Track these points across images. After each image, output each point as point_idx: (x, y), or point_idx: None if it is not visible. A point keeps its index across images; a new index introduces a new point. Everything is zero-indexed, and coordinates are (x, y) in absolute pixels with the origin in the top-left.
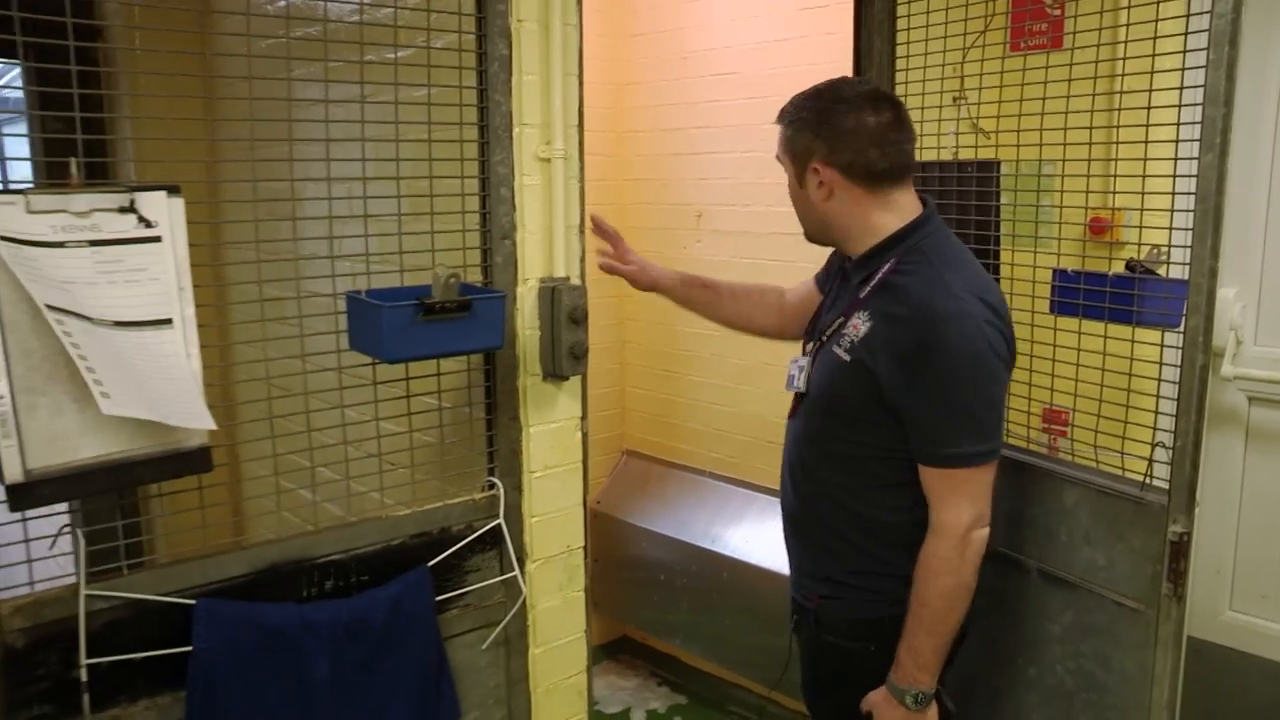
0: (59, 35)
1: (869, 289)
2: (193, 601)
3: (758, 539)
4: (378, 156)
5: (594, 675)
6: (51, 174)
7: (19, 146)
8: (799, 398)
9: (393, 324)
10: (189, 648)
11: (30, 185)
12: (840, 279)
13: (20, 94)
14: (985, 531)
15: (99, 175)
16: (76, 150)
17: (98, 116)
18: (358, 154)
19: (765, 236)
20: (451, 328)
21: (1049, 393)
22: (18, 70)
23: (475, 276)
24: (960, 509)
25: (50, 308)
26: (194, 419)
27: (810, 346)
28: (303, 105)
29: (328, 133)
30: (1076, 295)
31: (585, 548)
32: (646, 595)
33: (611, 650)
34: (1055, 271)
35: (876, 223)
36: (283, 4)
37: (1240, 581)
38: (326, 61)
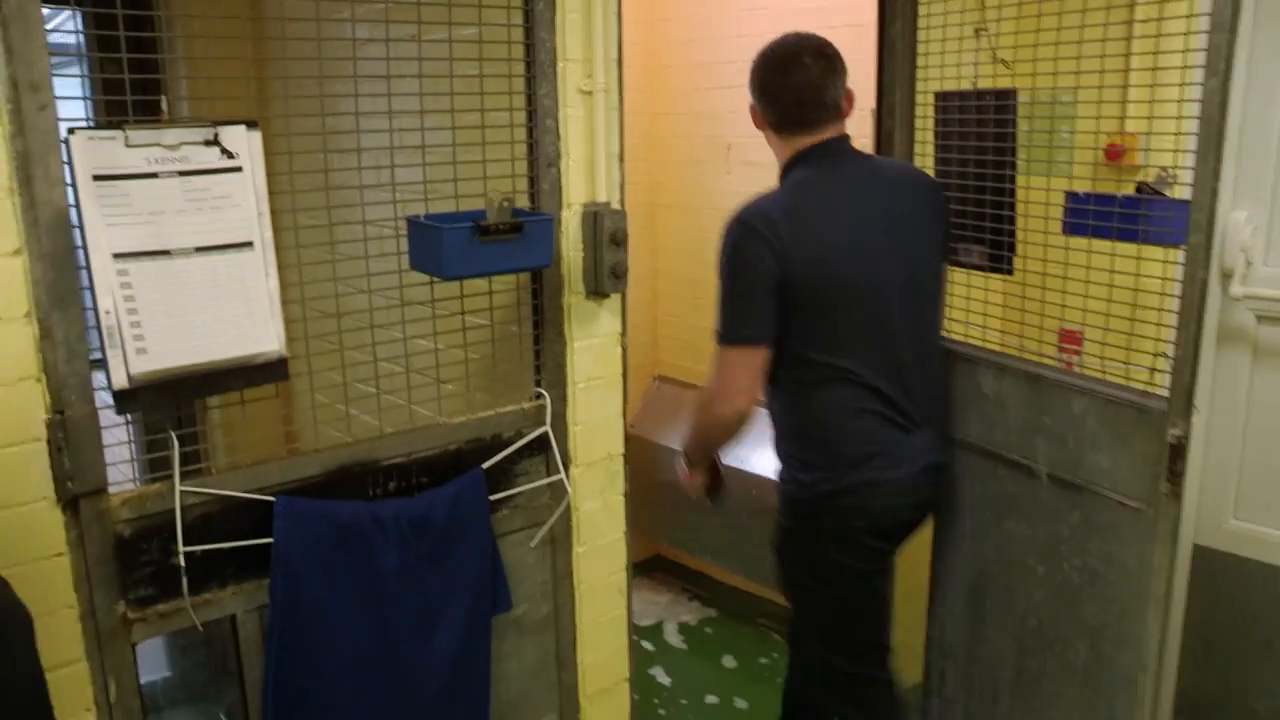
0: None
1: None
2: (272, 499)
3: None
4: (433, 91)
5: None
6: (110, 112)
7: (69, 88)
8: None
9: (452, 244)
10: (270, 539)
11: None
12: None
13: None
14: (728, 406)
15: (152, 114)
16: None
17: (152, 57)
18: (414, 89)
19: None
20: (505, 248)
21: (1061, 309)
22: (66, 15)
23: (523, 202)
24: (711, 378)
25: (116, 256)
26: (255, 342)
27: None
28: (361, 44)
29: (388, 69)
30: (1087, 216)
31: (625, 455)
32: (679, 515)
33: (645, 568)
34: (1067, 194)
35: (781, 161)
36: None
37: (1245, 491)
38: (387, 2)
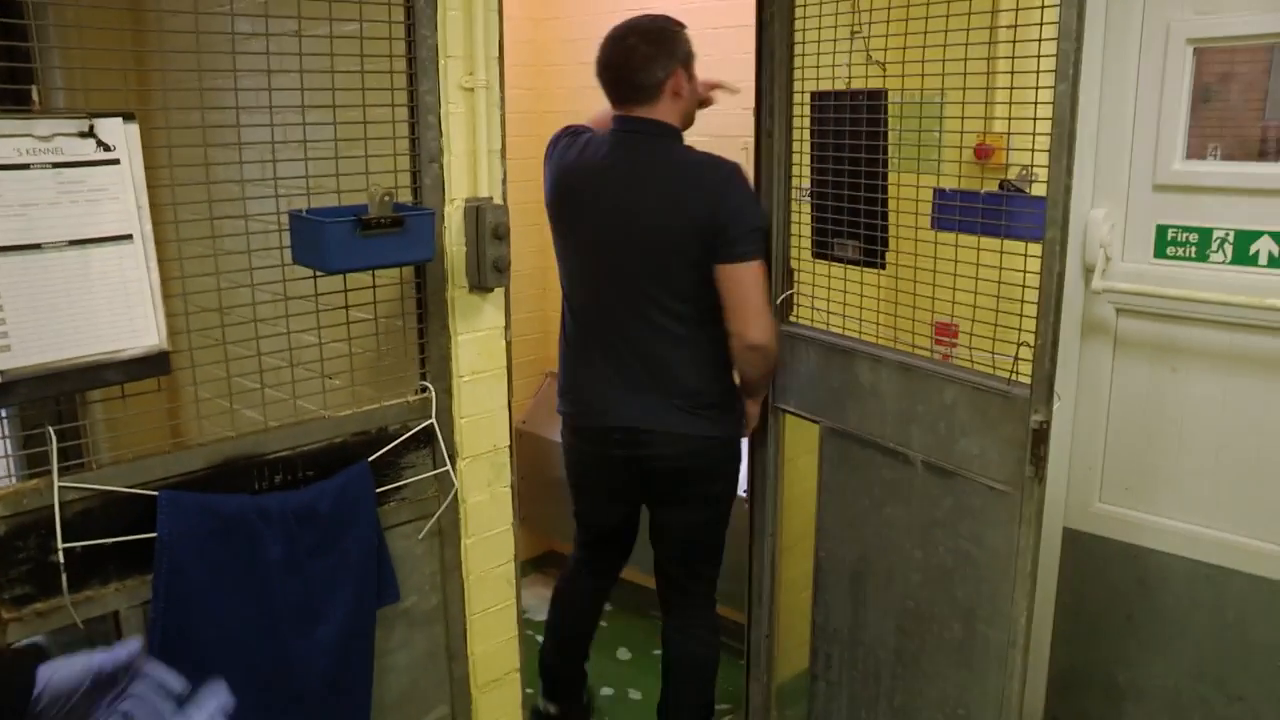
0: None
1: None
2: (155, 493)
3: None
4: (315, 86)
5: (522, 588)
6: None
7: None
8: None
9: (334, 237)
10: (153, 534)
11: None
12: None
13: None
14: None
15: (22, 104)
16: (35, 78)
17: (21, 45)
18: (295, 84)
19: None
20: (387, 242)
21: (932, 302)
22: None
23: (406, 197)
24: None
25: None
26: (135, 335)
27: None
28: (242, 38)
29: (269, 64)
30: (954, 212)
31: (510, 447)
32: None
33: (539, 564)
34: (935, 190)
35: None
36: None
37: (1108, 476)
38: None
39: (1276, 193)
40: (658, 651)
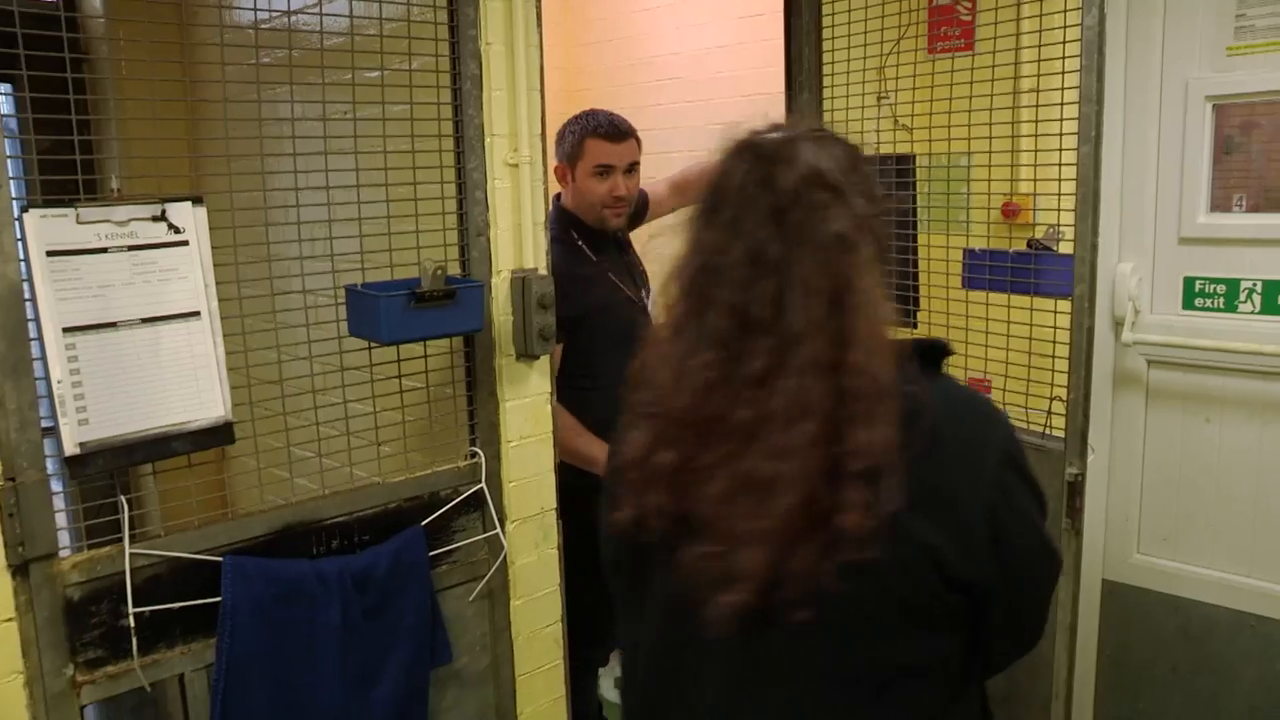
0: (45, 62)
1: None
2: (220, 559)
3: None
4: (367, 166)
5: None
6: (45, 190)
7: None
8: None
9: (389, 311)
10: (218, 599)
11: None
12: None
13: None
14: None
15: (89, 191)
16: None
17: (85, 138)
18: (350, 164)
19: None
20: (439, 314)
21: (965, 359)
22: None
23: (455, 270)
24: None
25: (66, 330)
26: (202, 407)
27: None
28: (299, 121)
29: (326, 146)
30: (984, 271)
31: (557, 510)
32: None
33: None
34: (965, 251)
35: None
36: (274, 24)
37: (1145, 526)
38: (323, 84)
39: None
40: None
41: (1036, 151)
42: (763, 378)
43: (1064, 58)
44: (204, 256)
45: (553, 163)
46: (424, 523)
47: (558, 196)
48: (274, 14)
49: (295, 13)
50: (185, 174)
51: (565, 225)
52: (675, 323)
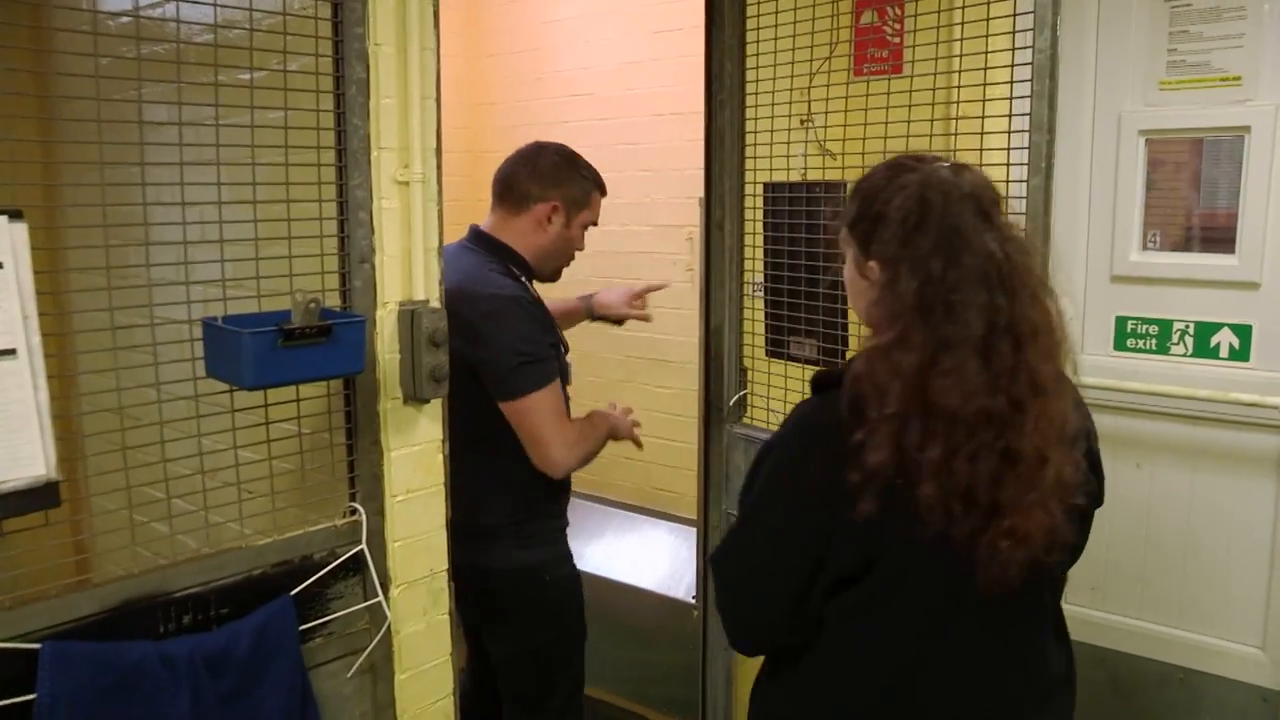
0: None
1: None
2: (37, 645)
3: (618, 554)
4: (232, 180)
5: None
6: None
7: None
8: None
9: (253, 350)
10: (32, 696)
11: None
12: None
13: None
14: None
15: None
16: None
17: None
18: (212, 177)
19: (624, 255)
20: (312, 353)
21: None
22: None
23: (334, 301)
24: None
25: None
26: (17, 465)
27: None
28: (152, 127)
29: (181, 156)
30: None
31: (449, 571)
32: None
33: None
34: None
35: None
36: (127, 21)
37: (1073, 576)
38: (179, 83)
39: (1235, 285)
40: None
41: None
42: (1013, 369)
43: (1013, 82)
44: (23, 282)
45: (540, 200)
46: (294, 591)
47: (479, 229)
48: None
49: (150, 4)
50: (27, 182)
51: (519, 265)
52: (900, 333)
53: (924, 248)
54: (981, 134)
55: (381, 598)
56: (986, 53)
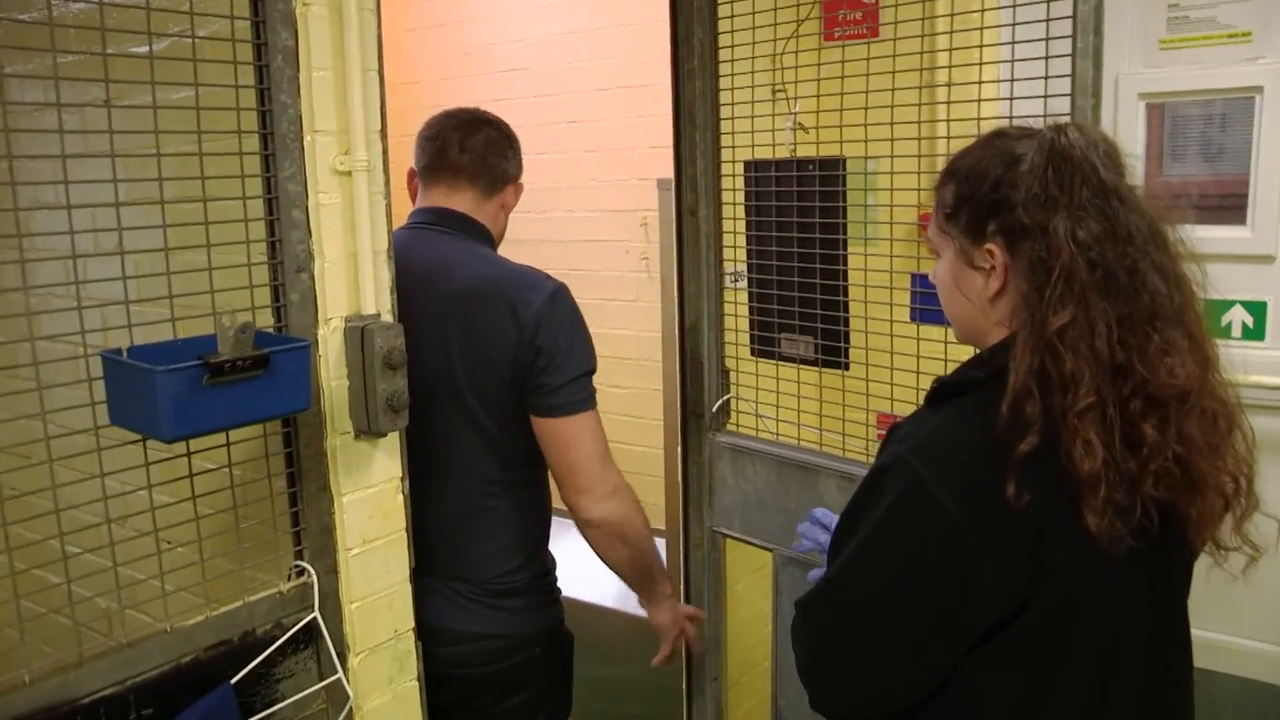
0: None
1: None
2: None
3: (575, 568)
4: (132, 176)
5: None
6: None
7: None
8: None
9: (170, 392)
10: None
11: None
12: None
13: None
14: None
15: None
16: None
17: None
18: (105, 173)
19: (566, 244)
20: (247, 390)
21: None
22: None
23: (265, 319)
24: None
25: None
26: None
27: None
28: (21, 110)
29: (63, 146)
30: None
31: (415, 629)
32: None
33: None
34: (914, 276)
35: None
36: None
37: None
38: (55, 52)
39: (1247, 258)
40: None
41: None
42: (1198, 326)
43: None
44: None
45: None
46: (235, 679)
47: (452, 210)
48: None
49: None
50: None
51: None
52: (1088, 318)
53: (1076, 199)
54: (979, 101)
55: (340, 673)
56: (983, 10)
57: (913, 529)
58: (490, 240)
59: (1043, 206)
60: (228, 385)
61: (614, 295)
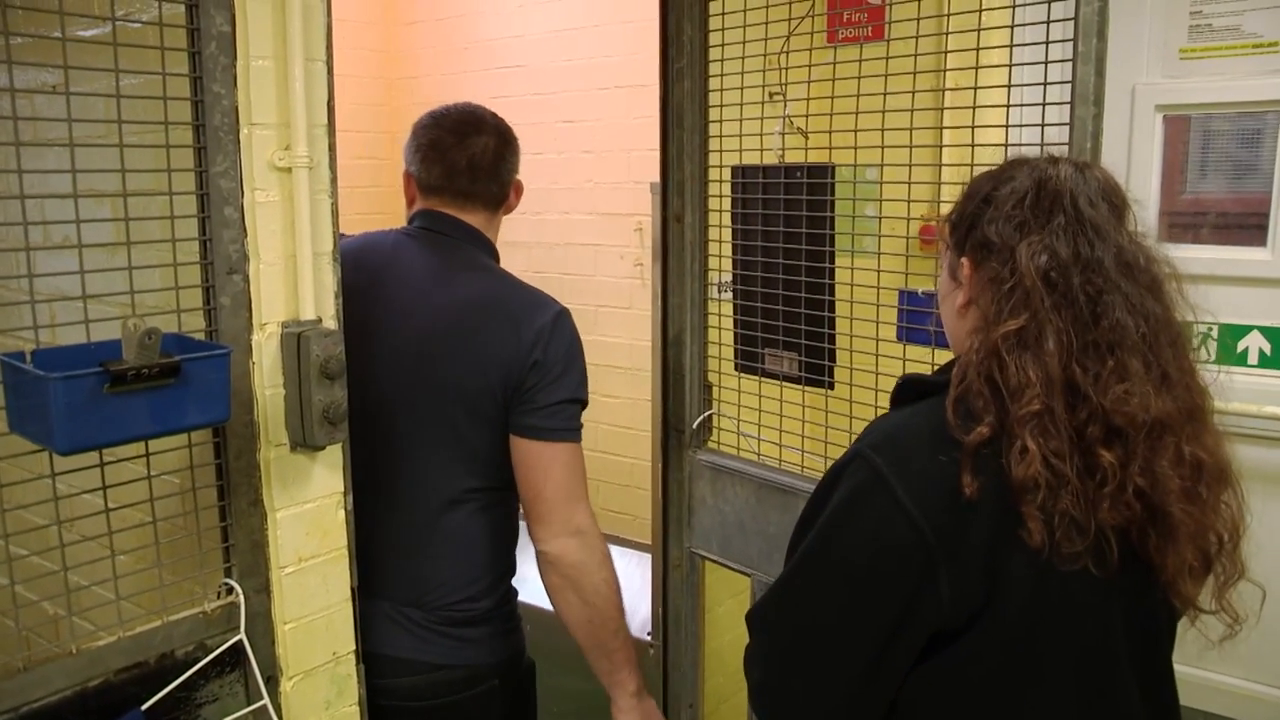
0: None
1: None
2: None
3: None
4: (46, 168)
5: None
6: None
7: None
8: None
9: (65, 400)
10: None
11: None
12: None
13: None
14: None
15: None
16: None
17: None
18: (12, 165)
19: (562, 248)
20: (155, 400)
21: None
22: None
23: (196, 323)
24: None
25: None
26: None
27: None
28: None
29: None
30: (926, 320)
31: (357, 651)
32: None
33: None
34: (901, 293)
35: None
36: None
37: None
38: None
39: (1266, 281)
40: None
41: (973, 166)
42: (1173, 367)
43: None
44: None
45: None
46: (149, 704)
47: (462, 222)
48: None
49: None
50: None
51: None
52: (1038, 328)
53: (1049, 224)
54: (974, 108)
55: (266, 699)
56: (980, 11)
57: (867, 523)
58: (495, 255)
59: (1015, 227)
60: (133, 394)
61: (608, 301)
